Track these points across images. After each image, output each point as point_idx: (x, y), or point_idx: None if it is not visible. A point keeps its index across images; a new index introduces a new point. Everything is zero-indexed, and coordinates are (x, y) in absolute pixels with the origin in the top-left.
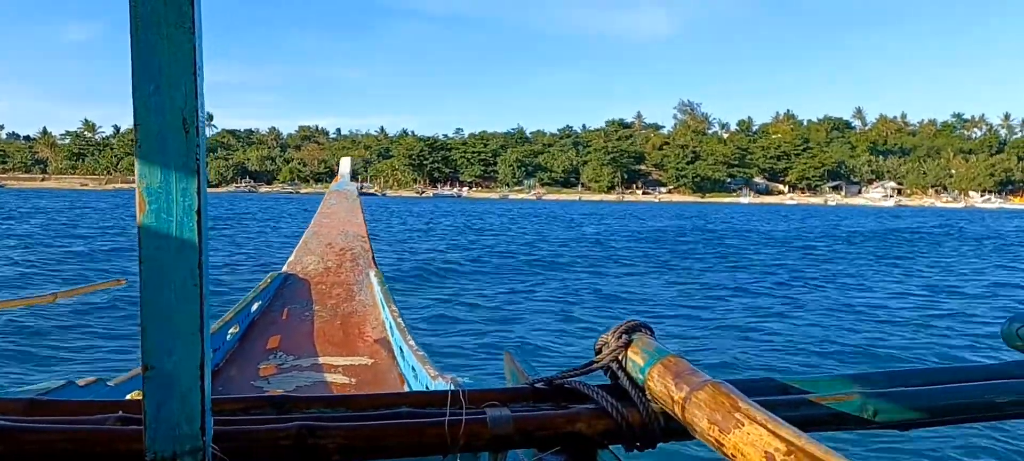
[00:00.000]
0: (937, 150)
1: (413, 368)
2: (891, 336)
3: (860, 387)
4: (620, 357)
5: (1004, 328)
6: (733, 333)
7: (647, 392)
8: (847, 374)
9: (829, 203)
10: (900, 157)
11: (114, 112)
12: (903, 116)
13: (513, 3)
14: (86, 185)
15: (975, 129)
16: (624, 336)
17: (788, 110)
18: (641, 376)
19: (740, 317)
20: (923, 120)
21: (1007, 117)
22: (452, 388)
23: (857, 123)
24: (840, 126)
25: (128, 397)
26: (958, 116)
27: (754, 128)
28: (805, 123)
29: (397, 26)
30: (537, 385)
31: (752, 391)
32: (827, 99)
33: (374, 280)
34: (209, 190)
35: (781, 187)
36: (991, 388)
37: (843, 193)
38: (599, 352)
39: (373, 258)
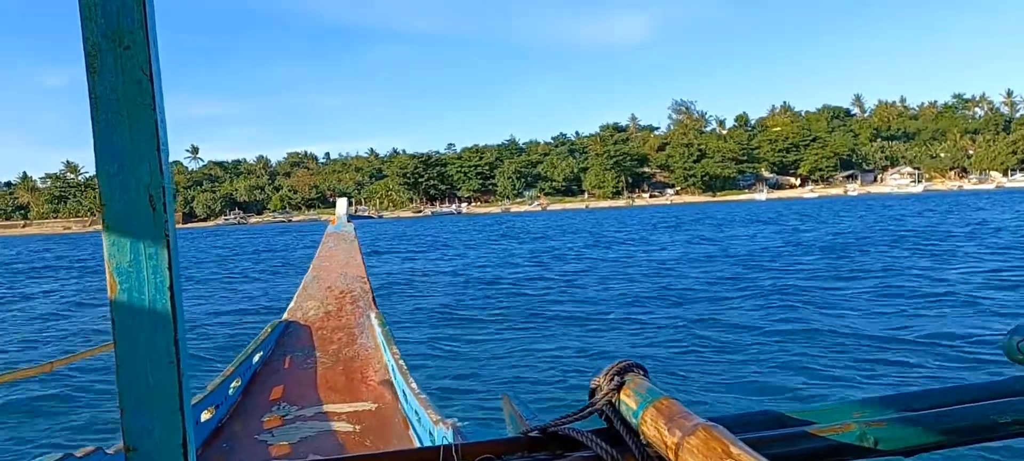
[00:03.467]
0: (942, 132)
1: (416, 412)
2: None
3: (860, 415)
4: (613, 400)
5: (1004, 341)
6: None
7: (641, 436)
8: (847, 401)
9: (850, 193)
10: (905, 142)
11: None
12: (902, 100)
13: (492, 19)
14: (70, 228)
15: (977, 108)
16: (616, 378)
17: (784, 102)
18: (635, 420)
19: None
20: (923, 103)
21: (1010, 93)
22: (451, 434)
23: (857, 111)
24: (840, 115)
25: None
26: (959, 96)
27: (751, 122)
28: (803, 114)
29: (378, 49)
30: (532, 434)
31: (748, 427)
32: (823, 88)
33: (375, 322)
34: (197, 224)
35: (792, 181)
36: (993, 407)
37: (859, 182)
38: (593, 394)
39: (373, 299)
